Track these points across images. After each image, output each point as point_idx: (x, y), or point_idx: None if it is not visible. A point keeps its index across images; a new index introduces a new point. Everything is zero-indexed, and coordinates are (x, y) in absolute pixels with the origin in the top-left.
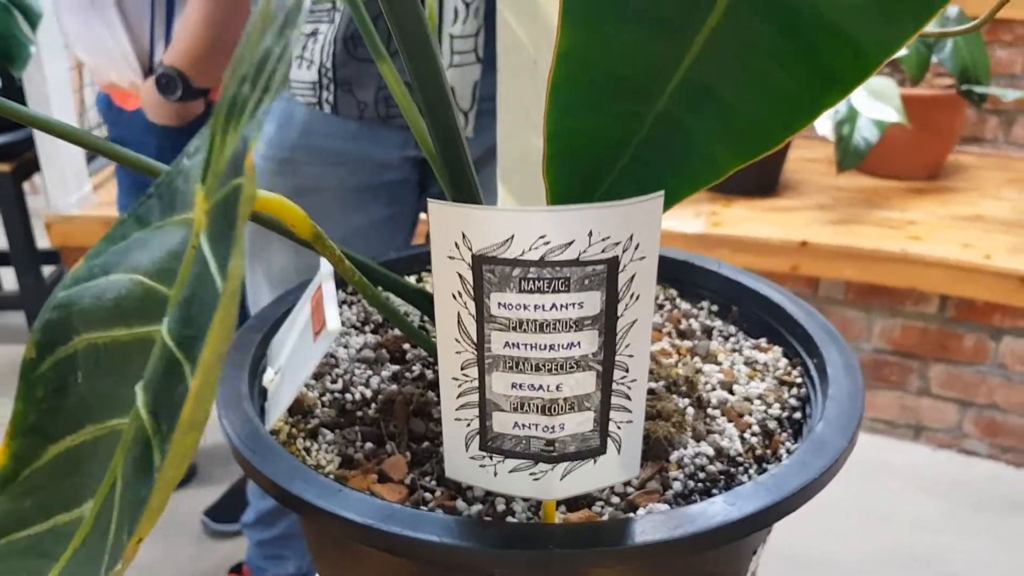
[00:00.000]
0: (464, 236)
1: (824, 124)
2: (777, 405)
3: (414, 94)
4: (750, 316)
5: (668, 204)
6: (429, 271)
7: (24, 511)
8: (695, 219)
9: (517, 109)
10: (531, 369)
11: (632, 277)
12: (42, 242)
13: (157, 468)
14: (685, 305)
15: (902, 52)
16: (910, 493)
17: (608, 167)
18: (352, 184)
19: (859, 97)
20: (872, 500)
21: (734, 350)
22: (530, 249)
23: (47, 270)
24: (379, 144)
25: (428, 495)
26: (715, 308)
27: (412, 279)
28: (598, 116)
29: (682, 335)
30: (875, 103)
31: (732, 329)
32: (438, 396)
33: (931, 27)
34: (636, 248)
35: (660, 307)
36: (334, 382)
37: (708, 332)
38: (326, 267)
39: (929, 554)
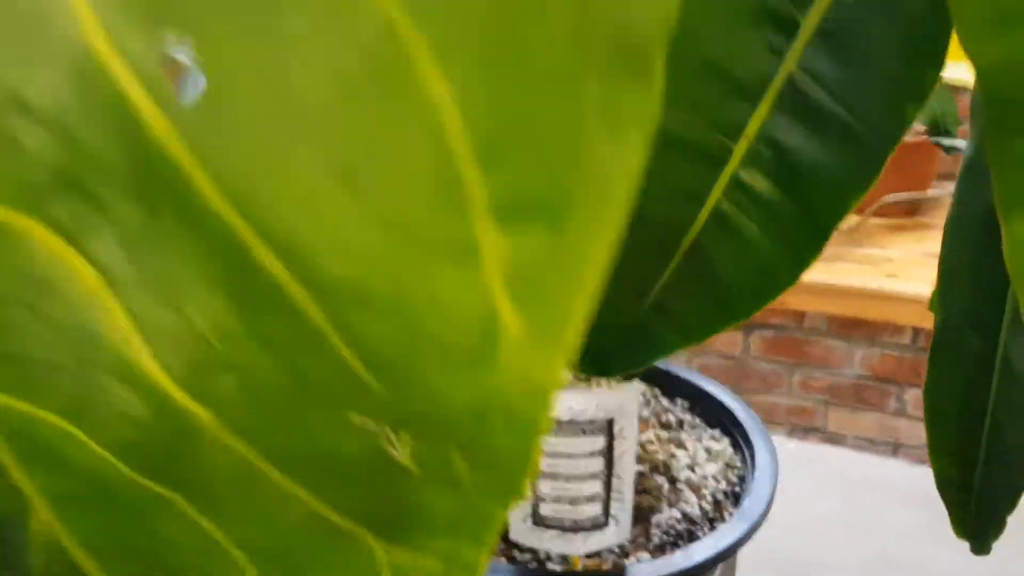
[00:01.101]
0: None
1: None
2: (724, 482)
3: None
4: (708, 412)
5: (644, 363)
6: None
7: None
8: None
9: None
10: (563, 479)
11: (622, 428)
12: None
13: None
14: (665, 401)
15: None
16: (893, 505)
17: (614, 345)
18: None
19: None
20: (859, 512)
21: (697, 439)
22: (562, 412)
23: None
24: None
25: (496, 549)
26: (687, 404)
27: None
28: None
29: (663, 426)
30: None
31: (697, 421)
32: None
33: None
34: (623, 411)
35: (648, 403)
36: None
37: (681, 423)
38: None
39: (916, 563)
